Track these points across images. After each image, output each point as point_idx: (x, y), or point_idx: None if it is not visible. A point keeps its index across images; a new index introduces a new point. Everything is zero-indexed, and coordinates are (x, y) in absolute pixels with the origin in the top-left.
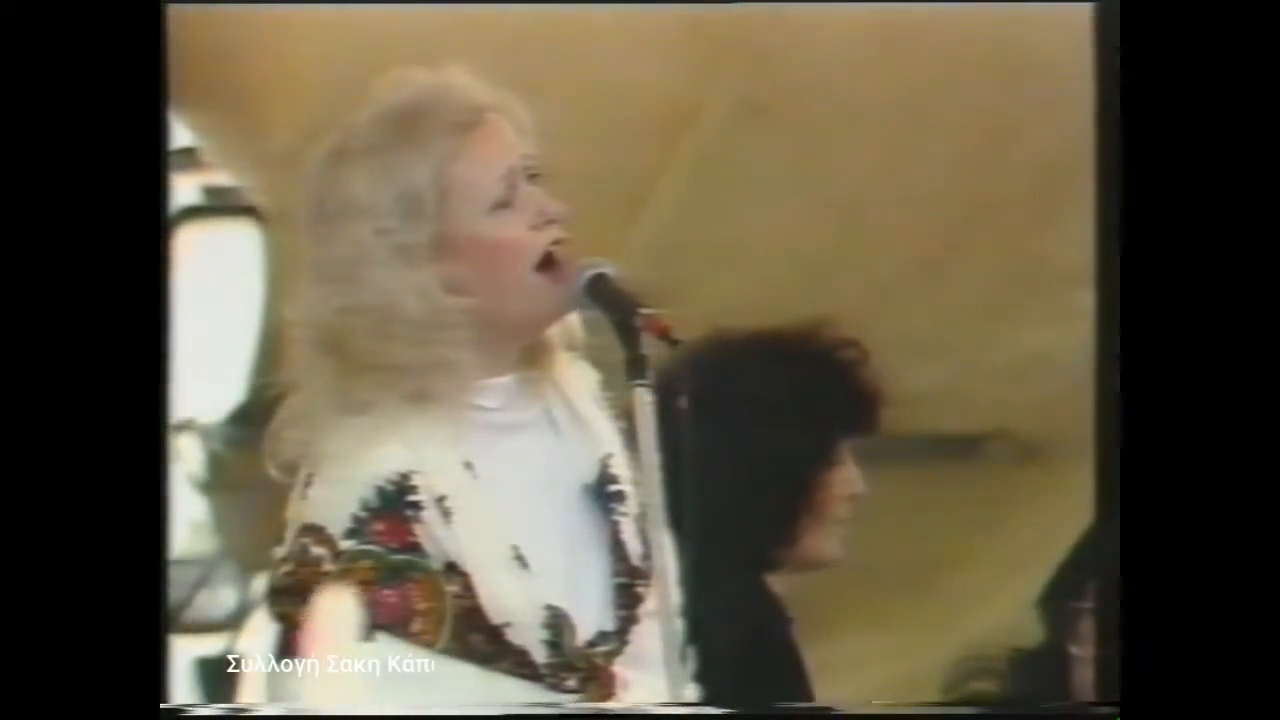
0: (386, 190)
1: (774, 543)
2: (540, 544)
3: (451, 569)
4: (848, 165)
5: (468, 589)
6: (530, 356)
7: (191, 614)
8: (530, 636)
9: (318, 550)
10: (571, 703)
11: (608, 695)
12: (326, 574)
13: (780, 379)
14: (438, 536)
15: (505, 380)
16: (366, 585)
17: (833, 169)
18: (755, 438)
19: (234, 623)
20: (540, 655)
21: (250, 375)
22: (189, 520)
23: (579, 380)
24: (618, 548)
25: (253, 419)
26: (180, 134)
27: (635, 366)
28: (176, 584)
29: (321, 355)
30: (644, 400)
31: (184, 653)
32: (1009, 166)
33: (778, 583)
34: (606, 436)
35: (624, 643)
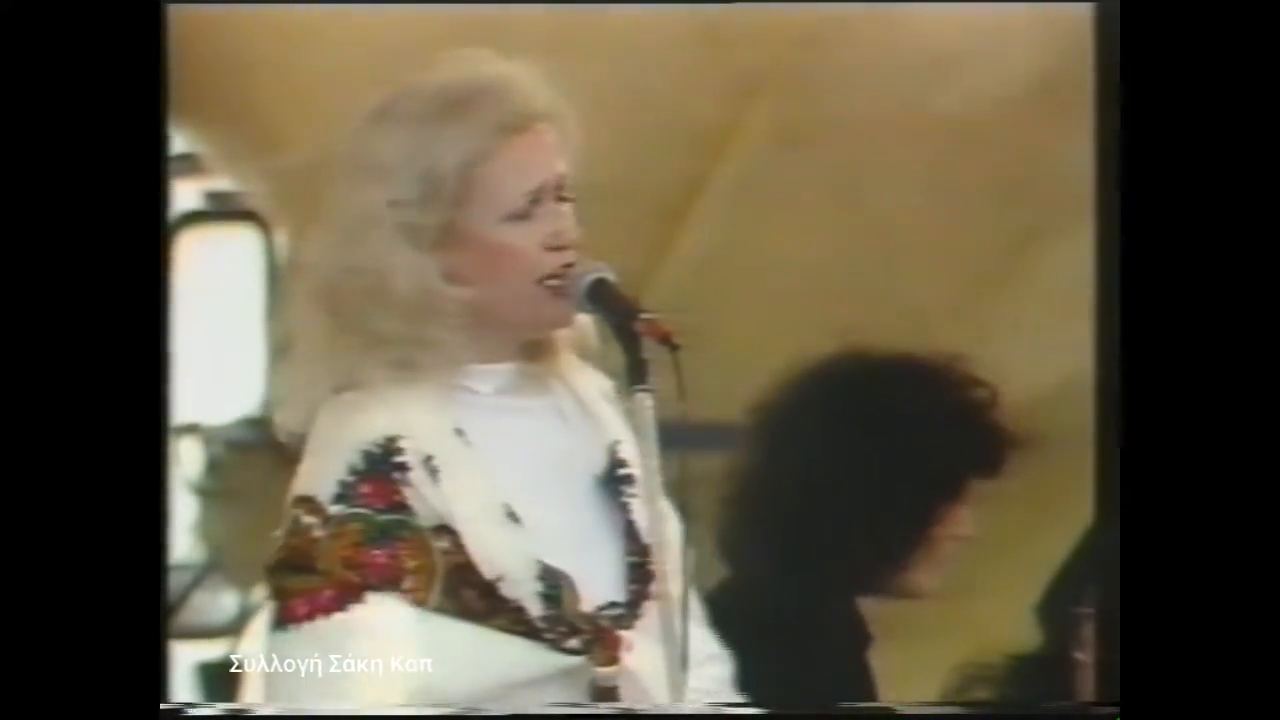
0: (413, 164)
1: (886, 568)
2: (537, 506)
3: (441, 526)
4: (885, 190)
5: (457, 545)
6: (531, 350)
7: (192, 619)
8: (524, 590)
9: (308, 519)
10: (575, 663)
11: (612, 659)
12: (317, 541)
13: (919, 407)
14: (425, 495)
15: (502, 368)
16: (356, 547)
17: (870, 194)
18: (890, 462)
19: (235, 628)
20: (536, 609)
21: (251, 380)
22: (189, 524)
23: (589, 381)
24: (629, 527)
25: (254, 424)
26: (183, 142)
27: (636, 371)
28: (176, 587)
29: (317, 308)
30: (645, 405)
31: (185, 658)
32: (1048, 190)
33: (866, 605)
34: (614, 425)
35: (636, 615)
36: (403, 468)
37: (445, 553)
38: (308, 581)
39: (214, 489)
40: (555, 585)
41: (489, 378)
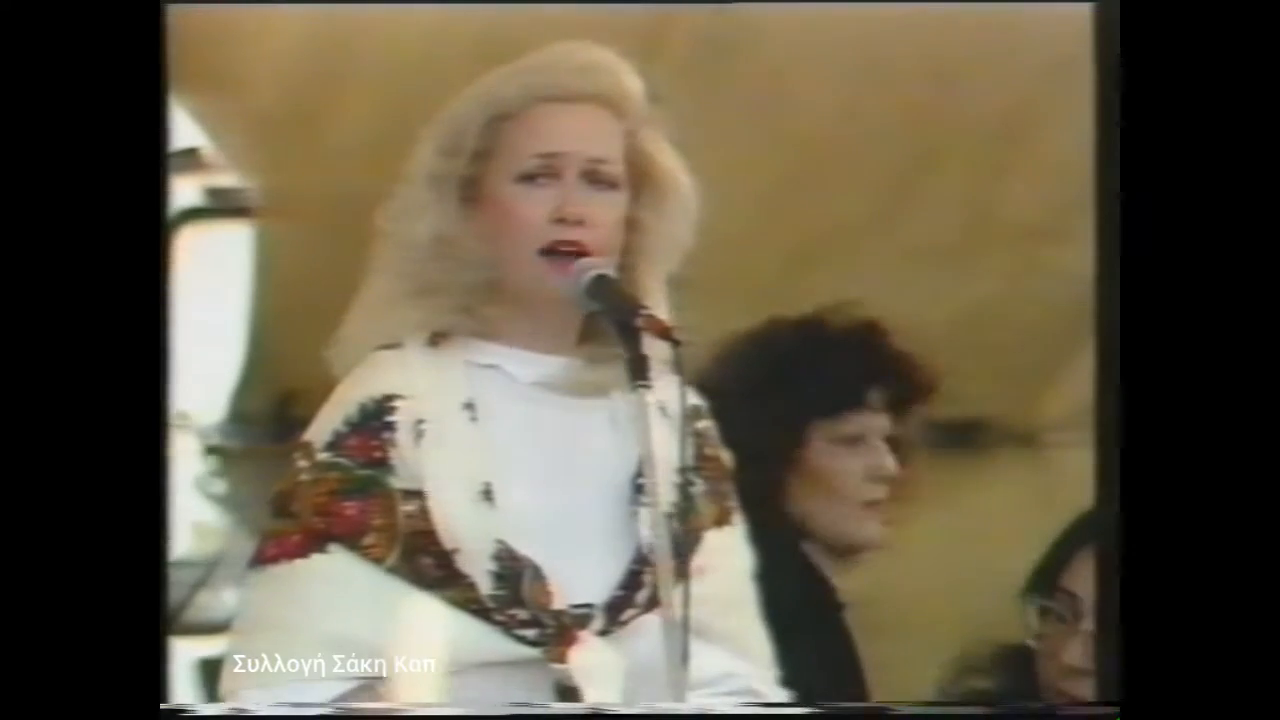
0: (453, 120)
1: (833, 525)
2: (531, 495)
3: (412, 491)
4: (805, 106)
5: (423, 511)
6: (595, 353)
7: (194, 615)
8: (478, 566)
9: (301, 463)
10: (527, 653)
11: (564, 656)
12: (301, 485)
13: (838, 364)
14: (405, 457)
15: (552, 360)
16: (331, 495)
17: (790, 109)
18: (820, 421)
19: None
20: (487, 587)
21: (250, 376)
22: (189, 520)
23: (653, 395)
24: (634, 536)
25: (253, 418)
26: (179, 131)
27: (636, 367)
28: (176, 584)
29: (379, 266)
30: (646, 401)
31: (186, 654)
32: (960, 118)
33: (826, 566)
34: (654, 438)
35: (617, 622)
36: (390, 427)
37: (409, 516)
38: (283, 525)
39: (214, 484)
40: (514, 569)
41: (533, 366)
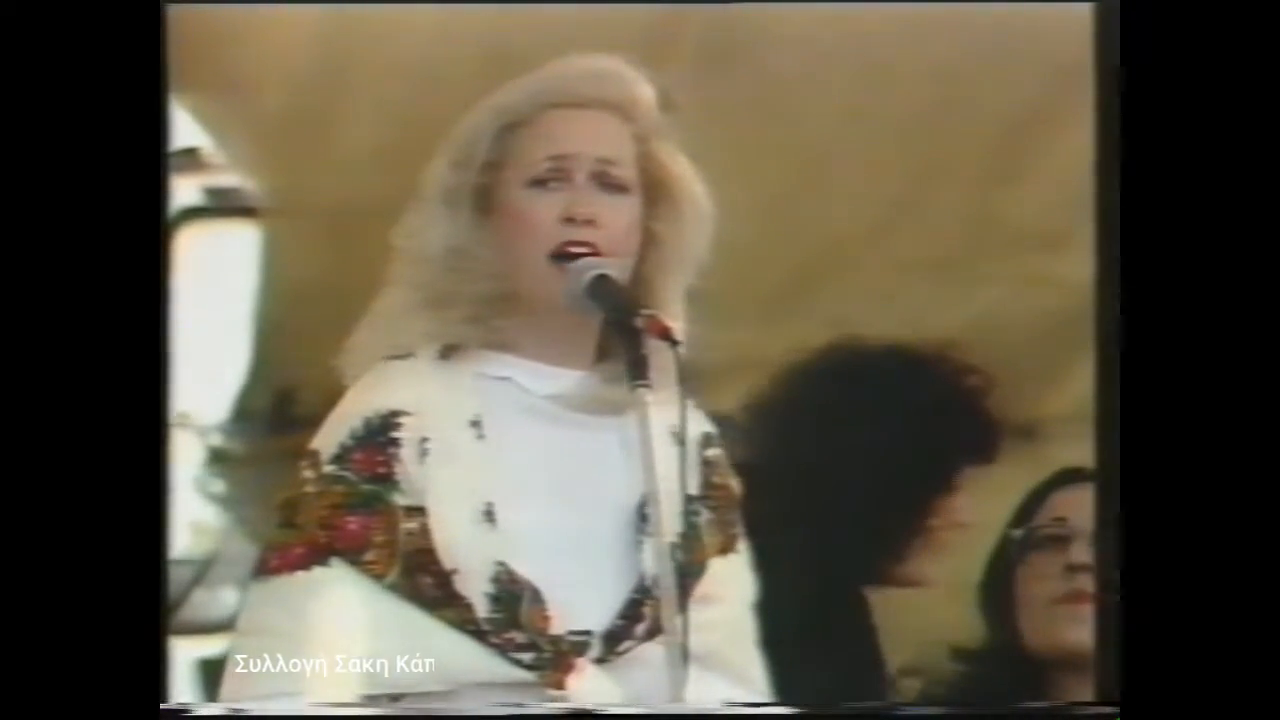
0: (465, 132)
1: (885, 558)
2: (536, 517)
3: (415, 508)
4: (808, 114)
5: (424, 529)
6: (610, 370)
7: (193, 615)
8: (474, 587)
9: (307, 473)
10: (522, 677)
11: (560, 683)
12: (306, 495)
13: (913, 398)
14: (410, 474)
15: (569, 374)
16: (335, 509)
17: (792, 117)
18: (884, 455)
19: (235, 623)
20: (482, 609)
21: (250, 376)
22: (189, 520)
23: (665, 417)
24: (638, 564)
25: (253, 418)
26: (179, 128)
27: (637, 367)
28: (175, 583)
29: (394, 278)
30: (645, 402)
31: (185, 653)
32: (965, 126)
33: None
34: (664, 466)
35: (613, 652)
36: (395, 443)
37: (410, 534)
38: (287, 535)
39: (213, 484)
40: (513, 592)
41: (547, 379)
